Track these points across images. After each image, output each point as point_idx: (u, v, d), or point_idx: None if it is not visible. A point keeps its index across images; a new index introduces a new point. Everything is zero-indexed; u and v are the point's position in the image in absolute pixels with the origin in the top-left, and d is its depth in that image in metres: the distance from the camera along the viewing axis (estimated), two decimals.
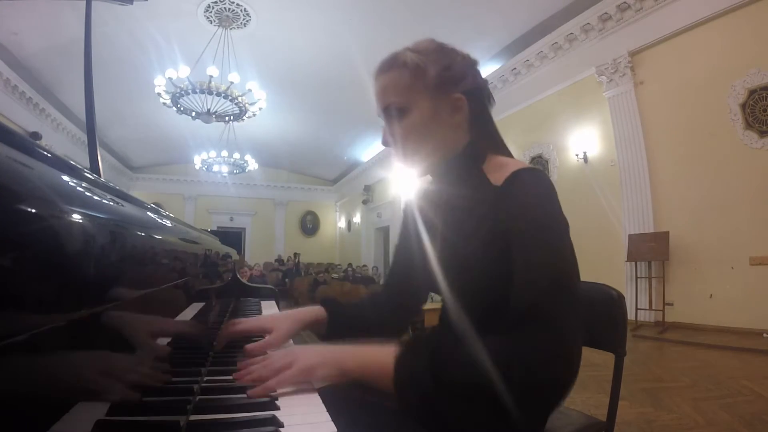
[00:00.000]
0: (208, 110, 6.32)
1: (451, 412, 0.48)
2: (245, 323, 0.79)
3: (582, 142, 6.10)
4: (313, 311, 0.82)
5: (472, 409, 0.47)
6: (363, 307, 0.89)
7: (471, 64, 0.73)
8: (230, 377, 0.62)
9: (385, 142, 0.73)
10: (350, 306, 0.88)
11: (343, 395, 0.81)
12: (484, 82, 0.74)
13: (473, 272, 0.66)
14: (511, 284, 0.57)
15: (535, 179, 0.64)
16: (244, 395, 0.55)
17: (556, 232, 0.59)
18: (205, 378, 0.61)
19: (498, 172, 0.67)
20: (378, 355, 0.57)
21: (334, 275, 10.36)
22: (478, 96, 0.73)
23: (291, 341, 0.79)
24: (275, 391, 0.55)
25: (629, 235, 5.16)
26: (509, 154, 0.74)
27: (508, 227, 0.61)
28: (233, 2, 5.99)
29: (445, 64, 0.69)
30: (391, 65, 0.70)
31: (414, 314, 0.90)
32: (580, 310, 0.54)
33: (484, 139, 0.73)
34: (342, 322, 0.82)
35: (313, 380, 0.58)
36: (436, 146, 0.71)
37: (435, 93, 0.69)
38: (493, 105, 0.76)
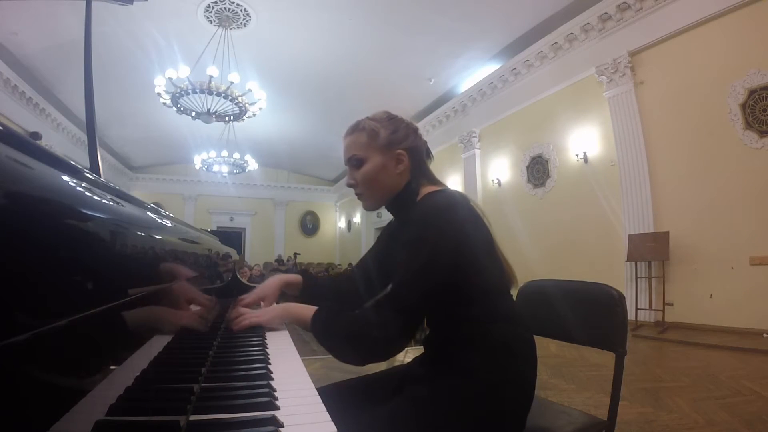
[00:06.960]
0: (208, 110, 6.32)
1: (330, 338, 0.83)
2: (247, 298, 1.14)
3: (582, 142, 6.10)
4: (293, 277, 1.19)
5: (339, 340, 0.83)
6: (332, 284, 1.23)
7: (413, 130, 0.98)
8: (229, 383, 0.62)
9: (348, 184, 0.99)
10: (322, 279, 1.25)
11: (343, 395, 0.85)
12: (423, 142, 1.00)
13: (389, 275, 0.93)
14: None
15: (432, 200, 0.87)
16: (244, 395, 0.55)
17: (423, 244, 0.80)
18: (205, 378, 0.61)
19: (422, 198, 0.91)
20: (305, 310, 0.90)
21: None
22: (417, 152, 0.98)
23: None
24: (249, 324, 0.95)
25: (629, 235, 5.16)
26: (441, 185, 0.98)
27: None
28: (233, 2, 5.99)
29: (392, 130, 0.95)
30: (354, 129, 0.97)
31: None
32: (415, 310, 0.79)
33: (419, 178, 0.97)
34: (312, 289, 1.17)
35: (274, 325, 0.98)
36: (383, 187, 0.96)
37: (384, 150, 0.94)
38: (432, 158, 1.02)
